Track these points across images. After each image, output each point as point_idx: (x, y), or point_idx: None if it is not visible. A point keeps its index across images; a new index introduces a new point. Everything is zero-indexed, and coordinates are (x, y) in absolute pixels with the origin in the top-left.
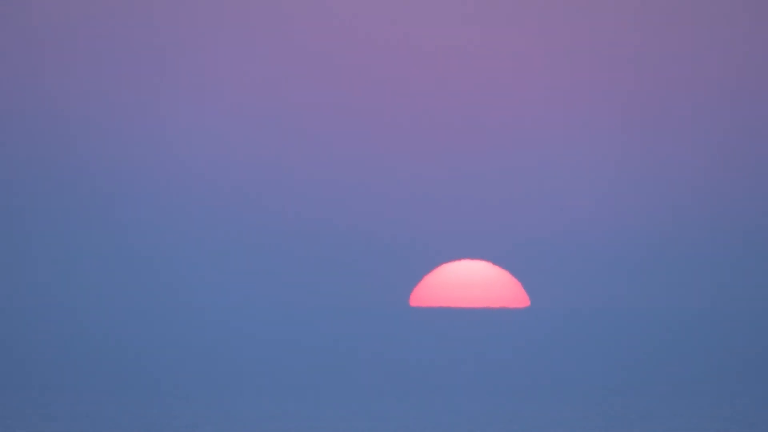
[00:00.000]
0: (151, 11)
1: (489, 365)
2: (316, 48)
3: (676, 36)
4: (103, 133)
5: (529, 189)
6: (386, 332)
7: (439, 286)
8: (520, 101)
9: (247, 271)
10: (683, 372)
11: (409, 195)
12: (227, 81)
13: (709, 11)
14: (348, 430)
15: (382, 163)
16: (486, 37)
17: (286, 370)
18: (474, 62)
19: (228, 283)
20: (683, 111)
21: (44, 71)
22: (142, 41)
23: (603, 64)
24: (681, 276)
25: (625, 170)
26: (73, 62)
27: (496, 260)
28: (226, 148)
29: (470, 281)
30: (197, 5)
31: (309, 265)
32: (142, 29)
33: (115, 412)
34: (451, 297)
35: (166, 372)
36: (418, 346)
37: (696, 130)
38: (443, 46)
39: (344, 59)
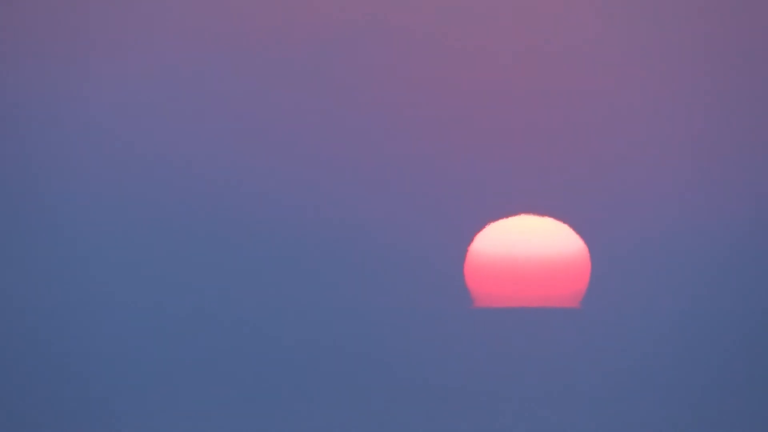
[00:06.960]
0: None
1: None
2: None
3: None
4: (103, 131)
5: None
6: (447, 336)
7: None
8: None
9: (281, 274)
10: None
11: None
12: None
13: None
14: None
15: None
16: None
17: (333, 373)
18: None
19: (271, 285)
20: None
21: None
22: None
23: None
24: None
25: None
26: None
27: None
28: (257, 140)
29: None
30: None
31: (345, 265)
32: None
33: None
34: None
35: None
36: (482, 353)
37: None
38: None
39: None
